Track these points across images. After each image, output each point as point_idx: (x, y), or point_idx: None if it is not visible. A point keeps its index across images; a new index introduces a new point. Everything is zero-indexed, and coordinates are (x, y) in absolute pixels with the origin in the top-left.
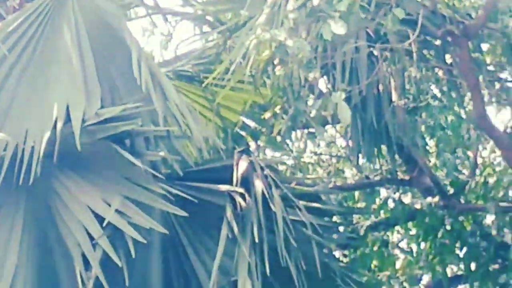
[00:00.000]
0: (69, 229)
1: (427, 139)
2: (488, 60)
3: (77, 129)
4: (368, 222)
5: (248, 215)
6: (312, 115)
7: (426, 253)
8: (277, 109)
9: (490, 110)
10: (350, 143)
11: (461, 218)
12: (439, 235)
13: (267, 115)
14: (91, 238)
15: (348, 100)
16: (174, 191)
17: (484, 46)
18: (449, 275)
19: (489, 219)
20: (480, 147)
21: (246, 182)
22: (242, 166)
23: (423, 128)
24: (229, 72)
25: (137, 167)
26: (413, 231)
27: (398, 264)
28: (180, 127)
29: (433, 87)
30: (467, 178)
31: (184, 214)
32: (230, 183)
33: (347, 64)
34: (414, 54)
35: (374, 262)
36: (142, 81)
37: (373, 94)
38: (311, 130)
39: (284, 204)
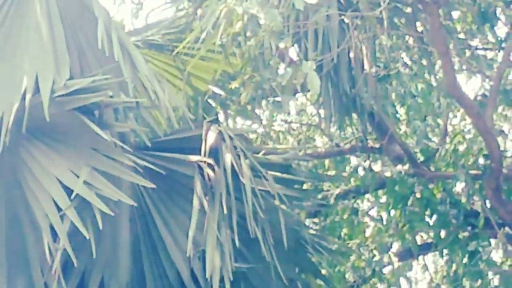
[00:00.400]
0: (37, 200)
1: (398, 107)
2: (458, 28)
3: (46, 100)
4: (338, 190)
5: (217, 186)
6: (282, 84)
7: (396, 221)
8: (246, 78)
9: (461, 78)
10: (321, 111)
11: (431, 185)
12: (409, 203)
13: (236, 84)
14: (59, 209)
15: (319, 68)
16: (143, 163)
17: (455, 14)
18: (418, 242)
19: (459, 186)
20: (450, 115)
21: (215, 153)
22: (211, 136)
23: (393, 96)
24: (199, 41)
25: (106, 138)
26: (383, 199)
27: (368, 232)
28: (150, 97)
29: (403, 55)
30: (437, 146)
31: (152, 185)
32: (199, 153)
33: (319, 32)
34: (385, 22)
35: (344, 230)
36: (111, 51)
37: (344, 62)
38: (279, 99)
39: (253, 174)
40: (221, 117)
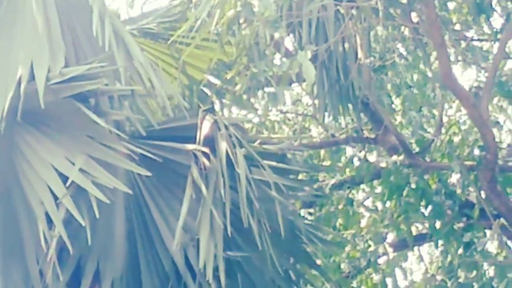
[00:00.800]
0: (32, 187)
1: (393, 98)
2: (454, 19)
3: (41, 88)
4: (333, 181)
5: (212, 175)
6: (278, 74)
7: (391, 212)
8: (241, 68)
9: (456, 69)
10: (316, 101)
11: (426, 176)
12: (404, 193)
13: (231, 74)
14: (55, 197)
15: (314, 58)
16: (138, 150)
17: (451, 5)
18: (414, 233)
19: (454, 177)
20: (446, 106)
21: (210, 141)
22: (206, 125)
23: (389, 86)
24: (194, 29)
25: (101, 126)
26: (378, 190)
27: (363, 223)
28: (145, 86)
29: (399, 45)
30: (432, 137)
31: (148, 173)
32: (195, 142)
33: (314, 22)
34: (380, 12)
35: (339, 221)
36: (105, 40)
37: (340, 53)
38: (274, 89)
39: (248, 164)
40: (216, 106)
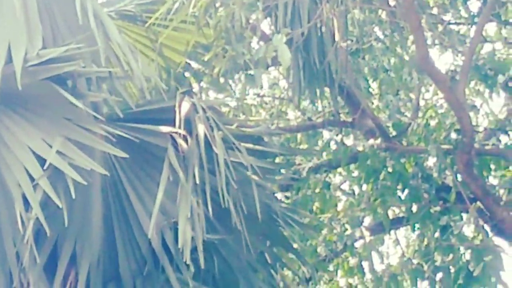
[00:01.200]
0: (9, 169)
1: (370, 81)
2: (431, 2)
3: (19, 70)
4: (310, 164)
5: (190, 157)
6: (256, 58)
7: (367, 195)
8: (218, 50)
9: (433, 53)
10: (293, 85)
11: (403, 160)
12: (381, 177)
13: (208, 56)
14: (32, 178)
15: (290, 41)
16: (116, 132)
17: None
18: (390, 217)
19: (431, 161)
20: (423, 89)
21: (188, 124)
22: (184, 107)
23: (366, 70)
24: (172, 12)
25: (79, 108)
26: (355, 173)
27: (340, 206)
28: (122, 68)
29: (376, 29)
30: (409, 120)
31: (125, 155)
32: (172, 124)
33: (290, 5)
34: None
35: (316, 204)
36: (85, 21)
37: (316, 36)
38: (251, 72)
39: (226, 146)
40: (194, 88)
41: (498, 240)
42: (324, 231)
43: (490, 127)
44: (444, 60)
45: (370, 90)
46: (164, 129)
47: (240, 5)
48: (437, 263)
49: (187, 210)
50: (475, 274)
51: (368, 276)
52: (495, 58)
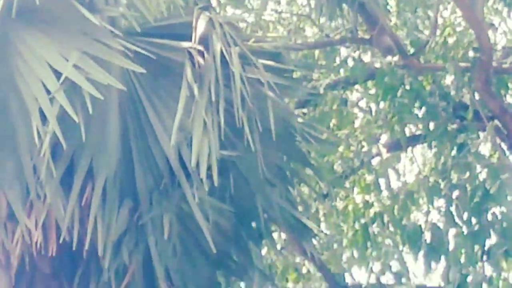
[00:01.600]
0: (26, 83)
1: None
2: None
3: None
4: (327, 80)
5: (207, 73)
6: None
7: (385, 112)
8: None
9: None
10: (311, 1)
11: (420, 77)
12: (398, 94)
13: None
14: (49, 92)
15: None
16: (133, 47)
17: None
18: (407, 134)
19: (448, 79)
20: (441, 7)
21: (205, 40)
22: (201, 23)
23: None
24: None
25: (96, 22)
26: (372, 90)
27: (357, 123)
28: None
29: None
30: (427, 38)
31: (142, 70)
32: (189, 40)
33: None
34: None
35: (333, 120)
36: None
37: None
38: None
39: (243, 62)
40: (212, 4)
41: None
42: (341, 148)
43: (508, 45)
44: None
45: (388, 7)
46: (182, 44)
47: None
48: (454, 181)
49: (201, 126)
50: (491, 192)
51: (385, 193)
52: None
